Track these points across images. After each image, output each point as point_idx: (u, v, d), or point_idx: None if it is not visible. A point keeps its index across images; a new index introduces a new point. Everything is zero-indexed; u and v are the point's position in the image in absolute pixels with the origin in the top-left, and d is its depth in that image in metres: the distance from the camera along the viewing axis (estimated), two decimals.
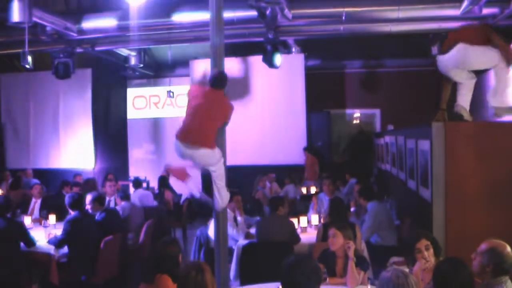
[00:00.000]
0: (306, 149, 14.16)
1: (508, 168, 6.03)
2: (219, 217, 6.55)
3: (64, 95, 15.48)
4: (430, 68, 15.32)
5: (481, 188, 6.05)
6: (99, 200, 8.46)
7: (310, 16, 10.93)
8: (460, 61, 6.63)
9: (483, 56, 6.52)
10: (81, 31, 11.19)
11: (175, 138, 6.35)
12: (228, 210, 7.30)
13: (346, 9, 10.51)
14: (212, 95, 6.36)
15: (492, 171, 6.04)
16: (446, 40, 6.92)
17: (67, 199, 7.89)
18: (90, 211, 8.31)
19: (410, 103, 15.34)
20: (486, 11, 9.89)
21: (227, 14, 9.49)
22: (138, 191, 11.53)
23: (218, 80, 6.38)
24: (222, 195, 6.44)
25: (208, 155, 6.26)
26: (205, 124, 6.27)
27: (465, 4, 9.81)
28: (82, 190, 10.78)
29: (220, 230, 6.54)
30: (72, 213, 7.74)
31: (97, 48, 12.61)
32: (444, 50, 6.83)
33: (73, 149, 15.46)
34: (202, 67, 14.24)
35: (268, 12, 10.15)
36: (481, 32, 6.56)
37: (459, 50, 6.58)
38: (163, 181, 12.64)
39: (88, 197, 8.46)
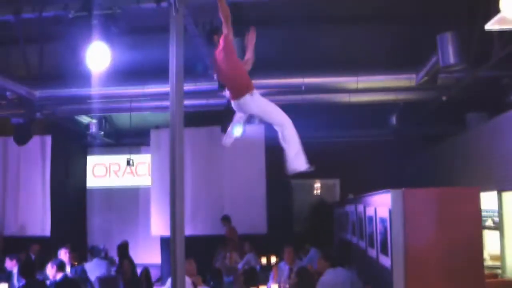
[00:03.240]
0: (224, 220, 14.12)
1: (467, 234, 6.07)
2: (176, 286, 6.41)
3: (23, 162, 15.26)
4: (388, 138, 15.63)
5: (441, 254, 6.07)
6: (59, 266, 8.30)
7: (269, 86, 11.06)
8: None
9: None
10: (41, 97, 11.18)
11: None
12: (187, 279, 7.17)
13: (305, 80, 10.69)
14: (218, 53, 6.27)
15: (451, 237, 6.07)
16: None
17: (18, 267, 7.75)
18: (50, 277, 8.15)
19: (370, 173, 15.49)
20: (441, 81, 10.17)
21: (188, 85, 9.61)
22: (92, 261, 11.28)
23: (209, 35, 6.41)
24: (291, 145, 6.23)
25: (248, 102, 6.07)
26: (230, 76, 6.18)
27: (420, 75, 10.08)
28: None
29: None
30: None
31: (58, 115, 12.58)
32: None
33: (30, 216, 15.16)
34: (162, 136, 14.27)
35: None
36: None
37: None
38: (122, 250, 12.42)
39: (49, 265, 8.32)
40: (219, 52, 6.18)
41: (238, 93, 6.06)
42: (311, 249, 12.31)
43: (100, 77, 9.81)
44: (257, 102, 6.10)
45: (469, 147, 10.43)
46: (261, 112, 6.21)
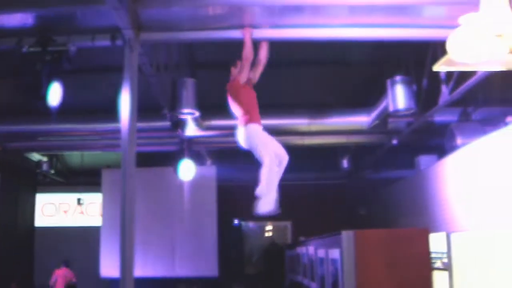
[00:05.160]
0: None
1: (417, 275, 6.12)
2: None
3: None
4: (340, 180, 15.77)
5: None
6: None
7: (222, 127, 11.08)
8: None
9: None
10: None
11: (256, 125, 6.46)
12: None
13: None
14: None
15: (402, 278, 6.10)
16: None
17: None
18: None
19: (321, 215, 15.56)
20: (391, 125, 10.36)
21: (140, 123, 9.55)
22: None
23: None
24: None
25: (241, 133, 6.45)
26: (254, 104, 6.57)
27: (371, 118, 10.26)
28: None
29: None
30: None
31: (8, 150, 12.36)
32: None
33: None
34: (113, 176, 14.13)
35: (181, 122, 10.29)
36: None
37: None
38: None
39: None
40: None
41: (239, 123, 6.43)
42: None
43: (52, 114, 9.72)
44: (248, 135, 6.38)
45: (419, 189, 10.57)
46: (249, 147, 6.47)
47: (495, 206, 6.86)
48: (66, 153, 15.39)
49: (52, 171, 15.05)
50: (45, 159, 14.50)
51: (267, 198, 6.43)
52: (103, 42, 6.69)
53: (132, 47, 6.22)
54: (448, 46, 3.87)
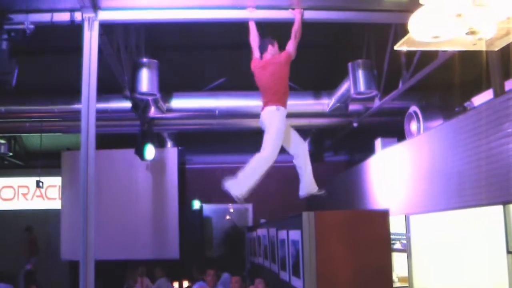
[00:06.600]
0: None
1: (377, 256, 6.19)
2: None
3: None
4: None
5: (352, 276, 6.14)
6: None
7: (184, 110, 11.06)
8: None
9: None
10: None
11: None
12: None
13: (219, 105, 10.75)
14: (266, 61, 6.50)
15: (362, 259, 6.17)
16: None
17: None
18: None
19: (281, 198, 15.62)
20: (352, 108, 10.46)
21: (100, 105, 9.47)
22: None
23: (262, 46, 6.60)
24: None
25: (271, 112, 6.32)
26: (270, 86, 6.41)
27: (332, 102, 10.32)
28: None
29: None
30: None
31: None
32: None
33: None
34: (74, 159, 13.96)
35: (142, 104, 10.22)
36: None
37: None
38: (29, 276, 12.06)
39: None
40: (271, 60, 6.43)
41: (270, 101, 6.34)
42: (223, 274, 12.29)
43: (11, 95, 9.56)
44: (275, 118, 6.35)
45: (378, 171, 10.67)
46: (267, 129, 6.48)
47: (452, 189, 6.96)
48: (25, 135, 15.16)
49: (10, 154, 14.82)
50: (3, 141, 14.26)
51: (244, 182, 6.54)
52: (62, 21, 6.56)
53: (92, 27, 6.14)
54: (409, 26, 3.92)
